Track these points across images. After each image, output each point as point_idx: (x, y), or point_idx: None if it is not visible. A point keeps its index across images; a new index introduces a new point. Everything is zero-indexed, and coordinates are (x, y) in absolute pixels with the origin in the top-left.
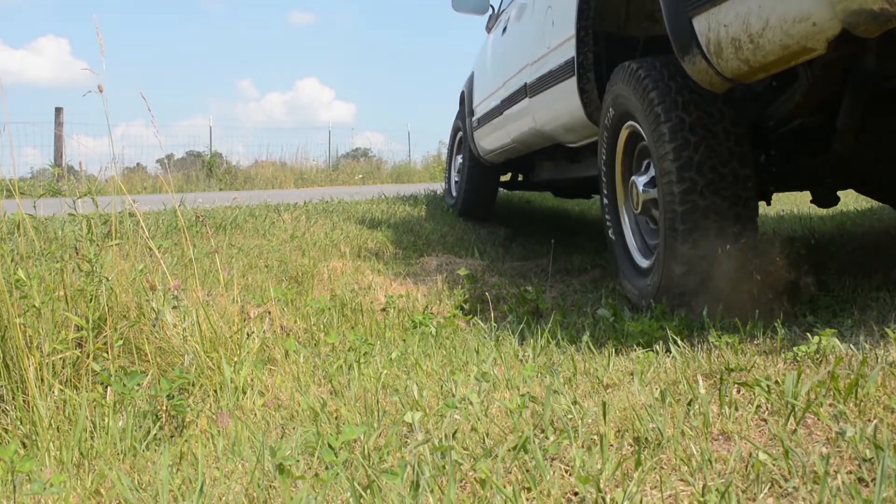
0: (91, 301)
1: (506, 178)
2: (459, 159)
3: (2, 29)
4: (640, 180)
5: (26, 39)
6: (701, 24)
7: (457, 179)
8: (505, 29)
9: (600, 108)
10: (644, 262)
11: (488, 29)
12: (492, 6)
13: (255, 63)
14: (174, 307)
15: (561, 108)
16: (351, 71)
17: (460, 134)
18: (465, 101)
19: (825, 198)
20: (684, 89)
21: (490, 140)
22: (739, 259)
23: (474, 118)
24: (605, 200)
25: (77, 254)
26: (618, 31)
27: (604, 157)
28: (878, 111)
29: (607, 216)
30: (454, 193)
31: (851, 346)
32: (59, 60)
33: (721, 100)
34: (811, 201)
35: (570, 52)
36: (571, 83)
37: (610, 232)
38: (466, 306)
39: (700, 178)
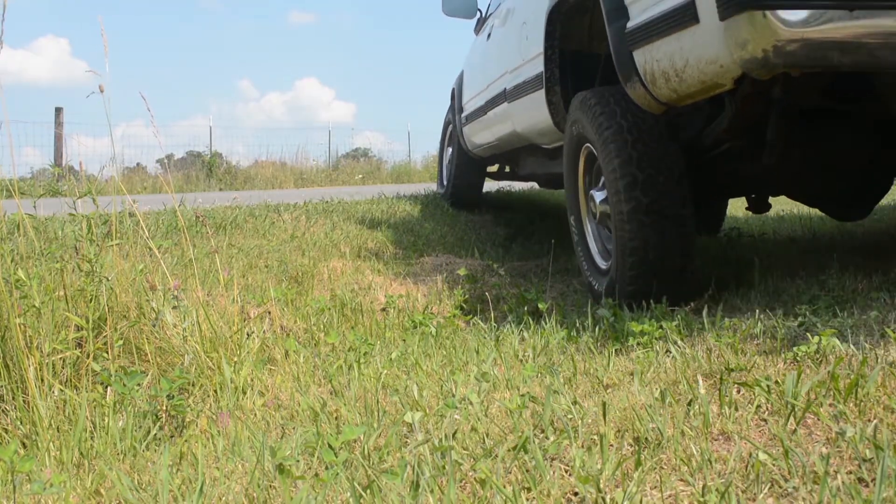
0: (91, 301)
1: (493, 168)
2: (450, 150)
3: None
4: (598, 195)
5: (26, 39)
6: (639, 57)
7: (447, 170)
8: (489, 35)
9: (566, 118)
10: (603, 265)
11: (476, 31)
12: (479, 10)
13: (255, 63)
14: (174, 307)
15: (534, 115)
16: (351, 71)
17: (451, 127)
18: (455, 97)
19: (758, 204)
20: (628, 114)
21: (477, 137)
22: (678, 263)
23: (463, 115)
24: (570, 209)
25: (77, 254)
26: (583, 49)
27: (568, 173)
28: (801, 129)
29: (573, 223)
30: (444, 182)
31: (851, 346)
32: (59, 60)
33: (661, 123)
34: (746, 208)
35: (539, 66)
36: (541, 94)
37: (575, 237)
38: (466, 306)
39: (643, 196)
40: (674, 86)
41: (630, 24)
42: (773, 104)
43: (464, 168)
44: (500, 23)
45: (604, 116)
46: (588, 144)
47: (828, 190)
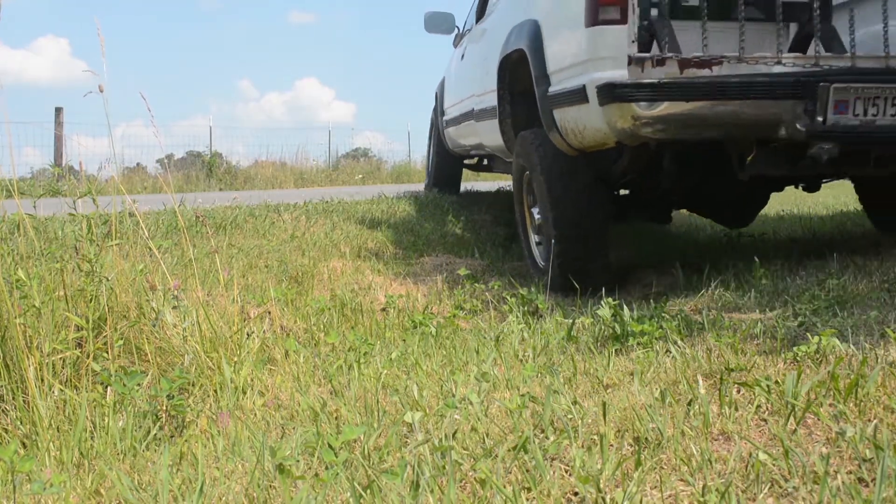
0: (91, 301)
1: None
2: (433, 146)
3: (2, 29)
4: (535, 211)
5: (26, 39)
6: (557, 114)
7: (431, 162)
8: (463, 55)
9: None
10: (542, 263)
11: (455, 45)
12: (457, 27)
13: (255, 63)
14: (174, 307)
15: (493, 136)
16: (351, 71)
17: (434, 126)
18: (438, 100)
19: (660, 217)
20: (554, 153)
21: (455, 139)
22: (593, 263)
23: (444, 118)
24: (518, 221)
25: (77, 254)
26: (528, 90)
27: (515, 193)
28: (688, 168)
29: (521, 231)
30: (429, 171)
31: (851, 346)
32: (59, 60)
33: (579, 160)
34: (649, 219)
35: (495, 100)
36: (496, 123)
37: (522, 241)
38: (466, 306)
39: (564, 213)
40: (580, 139)
41: (551, 90)
42: (666, 150)
43: (445, 161)
44: (473, 45)
45: (537, 154)
46: (528, 172)
47: (713, 207)
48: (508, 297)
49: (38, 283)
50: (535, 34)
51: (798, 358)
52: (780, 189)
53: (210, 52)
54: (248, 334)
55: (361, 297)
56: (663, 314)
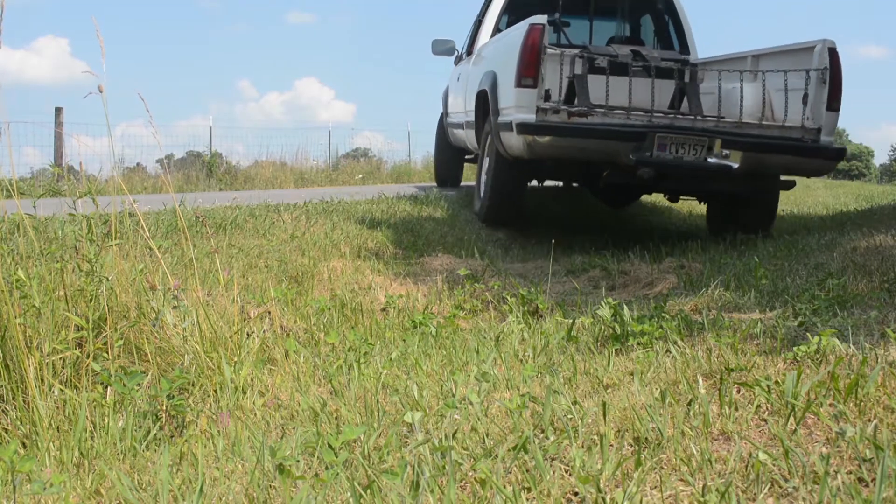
0: (91, 301)
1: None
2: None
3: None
4: (483, 181)
5: (26, 39)
6: (501, 135)
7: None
8: (459, 76)
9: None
10: (477, 207)
11: (455, 63)
12: (457, 50)
13: (255, 63)
14: (174, 307)
15: (473, 140)
16: (351, 71)
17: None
18: (443, 104)
19: (613, 201)
20: (497, 154)
21: (456, 136)
22: (504, 213)
23: (448, 119)
24: (476, 176)
25: (77, 254)
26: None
27: (477, 170)
28: (570, 170)
29: (475, 188)
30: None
31: (851, 346)
32: (59, 60)
33: (510, 161)
34: (601, 200)
35: (474, 117)
36: (474, 132)
37: (475, 194)
38: (466, 306)
39: (495, 187)
40: (510, 152)
41: (499, 119)
42: (552, 162)
43: (448, 153)
44: (464, 73)
45: (490, 154)
46: (486, 160)
47: (605, 196)
48: (508, 297)
49: (38, 283)
50: (494, 82)
51: (798, 358)
52: (650, 192)
53: (210, 51)
54: (248, 334)
55: (361, 297)
56: (663, 314)
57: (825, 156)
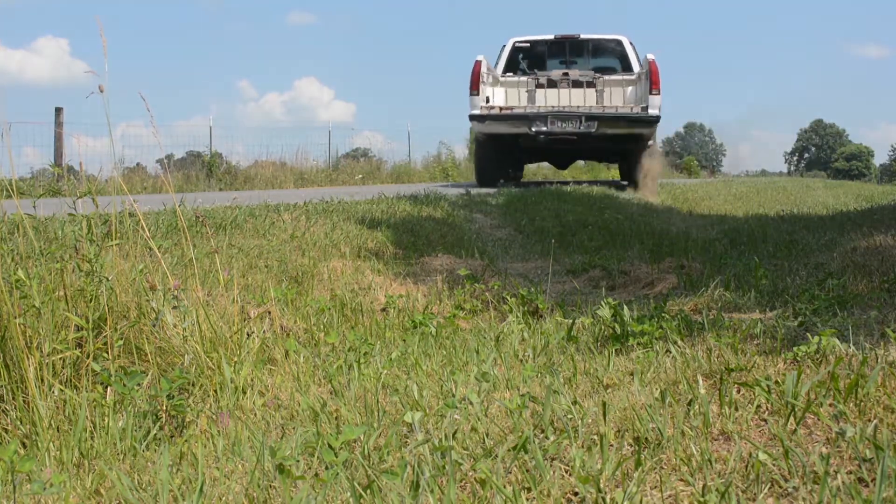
0: (91, 301)
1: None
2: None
3: (1, 29)
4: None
5: (26, 39)
6: (477, 125)
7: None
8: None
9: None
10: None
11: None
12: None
13: (254, 63)
14: (174, 307)
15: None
16: (351, 71)
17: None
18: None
19: (561, 165)
20: (480, 139)
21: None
22: (488, 177)
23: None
24: (475, 160)
25: (77, 254)
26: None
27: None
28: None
29: (475, 162)
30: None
31: (851, 346)
32: (59, 60)
33: (485, 140)
34: (553, 164)
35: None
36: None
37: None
38: (466, 306)
39: (480, 161)
40: (476, 134)
41: (472, 112)
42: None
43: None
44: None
45: (475, 136)
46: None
47: (553, 161)
48: (508, 297)
49: (38, 283)
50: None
51: (798, 358)
52: (565, 167)
53: (210, 51)
54: (248, 334)
55: (361, 297)
56: (663, 314)
57: (645, 121)
